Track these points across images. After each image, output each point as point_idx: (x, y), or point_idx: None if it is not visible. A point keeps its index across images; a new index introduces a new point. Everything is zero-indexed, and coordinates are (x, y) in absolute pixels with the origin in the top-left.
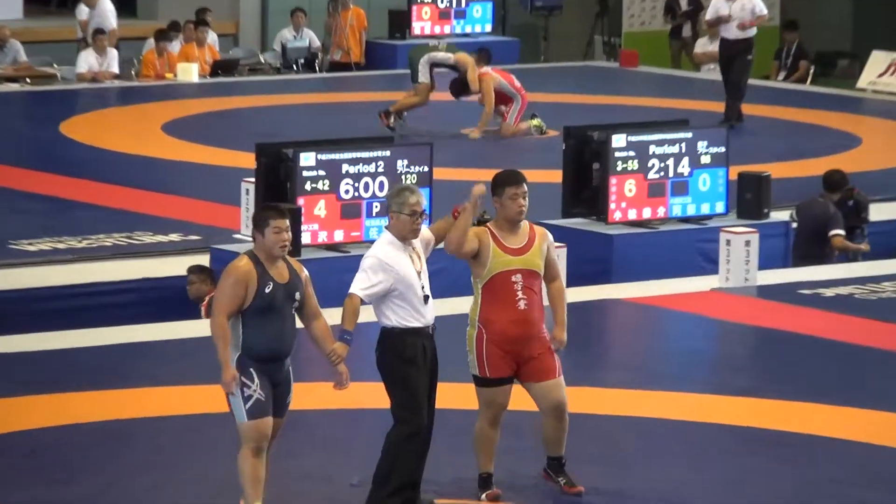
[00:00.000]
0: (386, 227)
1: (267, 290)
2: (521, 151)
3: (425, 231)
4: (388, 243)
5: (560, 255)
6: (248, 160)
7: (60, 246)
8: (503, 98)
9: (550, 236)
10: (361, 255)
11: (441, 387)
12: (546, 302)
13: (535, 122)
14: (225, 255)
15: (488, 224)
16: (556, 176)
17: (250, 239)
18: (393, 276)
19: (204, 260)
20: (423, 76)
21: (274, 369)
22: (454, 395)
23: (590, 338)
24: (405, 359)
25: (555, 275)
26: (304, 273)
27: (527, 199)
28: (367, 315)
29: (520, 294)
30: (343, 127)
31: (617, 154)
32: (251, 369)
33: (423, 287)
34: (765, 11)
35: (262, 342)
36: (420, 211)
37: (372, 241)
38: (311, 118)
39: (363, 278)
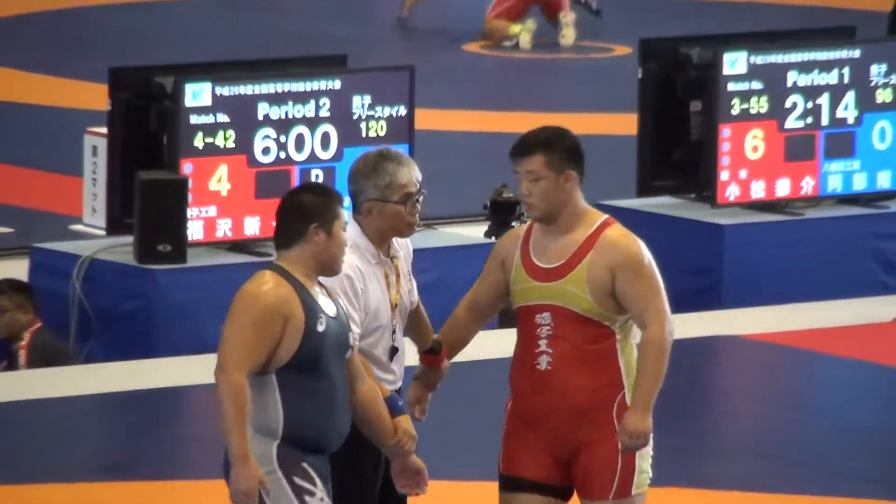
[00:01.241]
0: (357, 221)
1: (320, 329)
2: (566, 79)
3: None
4: (356, 250)
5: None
6: (95, 96)
7: None
8: None
9: (627, 248)
10: None
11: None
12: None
13: (517, 28)
14: (57, 262)
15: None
16: (626, 125)
17: (95, 232)
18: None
19: (19, 270)
20: None
21: (323, 464)
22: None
23: (689, 402)
24: (352, 459)
25: (642, 317)
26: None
27: (540, 181)
28: None
29: (542, 346)
30: (262, 37)
31: (732, 86)
32: (304, 465)
33: (394, 330)
34: None
35: (313, 420)
36: (416, 191)
37: None
38: (205, 21)
39: (351, 312)
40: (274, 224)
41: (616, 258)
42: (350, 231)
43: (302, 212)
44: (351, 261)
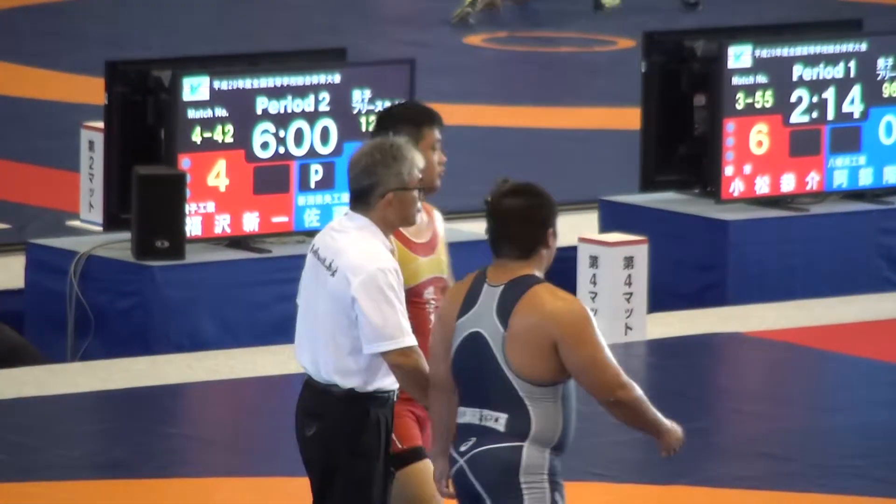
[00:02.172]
0: (368, 215)
1: None
2: (569, 73)
3: None
4: (384, 248)
5: (639, 257)
6: (92, 90)
7: None
8: None
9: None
10: (293, 259)
11: None
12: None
13: None
14: (53, 259)
15: None
16: (629, 119)
17: (93, 229)
18: None
19: (15, 266)
20: None
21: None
22: None
23: (692, 399)
24: (371, 448)
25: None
26: None
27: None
28: None
29: (433, 319)
30: (260, 31)
31: (737, 80)
32: (559, 478)
33: None
34: None
35: (571, 424)
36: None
37: (313, 232)
38: (202, 13)
39: (401, 310)
40: (500, 233)
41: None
42: (366, 230)
43: (540, 218)
44: (385, 251)
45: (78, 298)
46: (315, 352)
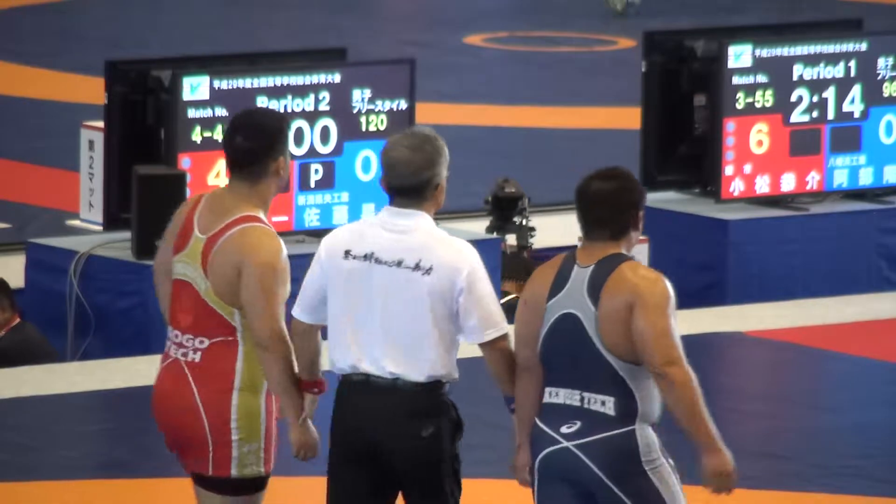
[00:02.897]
0: (422, 208)
1: None
2: (570, 72)
3: None
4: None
5: (639, 256)
6: (92, 90)
7: None
8: None
9: None
10: (293, 259)
11: None
12: None
13: None
14: (53, 258)
15: None
16: (629, 119)
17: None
18: None
19: (15, 266)
20: None
21: None
22: None
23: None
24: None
25: None
26: None
27: None
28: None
29: None
30: (260, 31)
31: (737, 80)
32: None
33: None
34: None
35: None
36: None
37: (313, 232)
38: (202, 13)
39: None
40: (591, 216)
41: None
42: (432, 223)
43: (631, 201)
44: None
45: (78, 298)
46: (398, 352)
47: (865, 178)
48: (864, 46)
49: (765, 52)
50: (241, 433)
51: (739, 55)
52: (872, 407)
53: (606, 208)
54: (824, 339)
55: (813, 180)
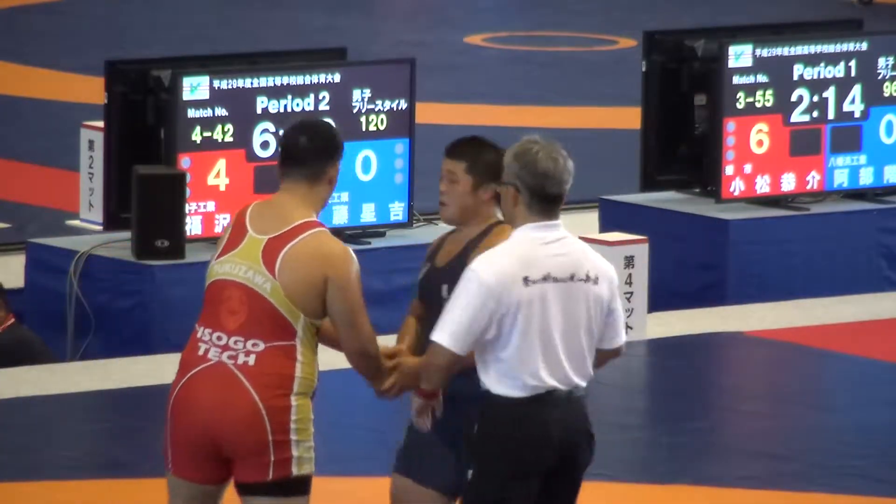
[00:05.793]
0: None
1: None
2: (570, 72)
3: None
4: None
5: (640, 256)
6: (91, 90)
7: None
8: None
9: None
10: None
11: None
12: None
13: None
14: (53, 258)
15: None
16: (629, 118)
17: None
18: None
19: (15, 266)
20: None
21: None
22: None
23: (693, 399)
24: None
25: None
26: None
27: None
28: None
29: None
30: (260, 31)
31: (737, 80)
32: None
33: None
34: None
35: None
36: None
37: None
38: (202, 12)
39: None
40: None
41: None
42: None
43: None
44: None
45: (78, 298)
46: (577, 362)
47: (866, 178)
48: (864, 46)
49: (765, 52)
50: (299, 434)
51: (740, 55)
52: (872, 407)
53: None
54: (824, 339)
55: (813, 180)
